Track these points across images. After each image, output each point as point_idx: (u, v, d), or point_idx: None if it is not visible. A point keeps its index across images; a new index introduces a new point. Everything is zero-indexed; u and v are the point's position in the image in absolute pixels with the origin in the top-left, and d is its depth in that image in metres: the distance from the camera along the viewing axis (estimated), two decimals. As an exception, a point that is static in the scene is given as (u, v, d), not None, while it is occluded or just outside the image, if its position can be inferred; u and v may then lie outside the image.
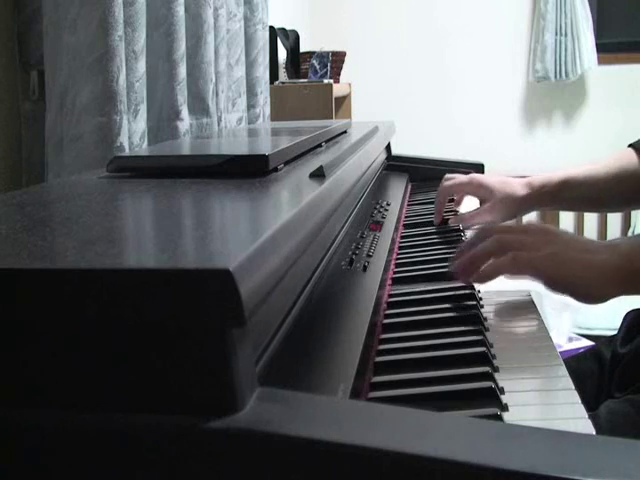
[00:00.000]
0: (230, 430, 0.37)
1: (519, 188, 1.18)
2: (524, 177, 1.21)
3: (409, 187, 1.55)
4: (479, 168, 1.63)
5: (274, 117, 2.01)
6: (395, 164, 1.64)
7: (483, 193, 1.20)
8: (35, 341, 0.40)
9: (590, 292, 0.77)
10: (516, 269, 0.77)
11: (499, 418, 0.53)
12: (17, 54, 1.12)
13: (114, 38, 1.03)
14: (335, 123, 1.31)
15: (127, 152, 1.07)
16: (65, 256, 0.44)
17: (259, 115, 1.84)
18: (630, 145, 1.19)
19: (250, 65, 1.78)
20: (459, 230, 1.14)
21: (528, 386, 0.63)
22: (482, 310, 0.77)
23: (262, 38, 1.82)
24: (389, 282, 0.87)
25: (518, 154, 3.56)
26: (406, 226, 1.20)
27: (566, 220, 3.53)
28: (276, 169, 0.79)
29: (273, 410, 0.39)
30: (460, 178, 1.23)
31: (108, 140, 1.05)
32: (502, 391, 0.58)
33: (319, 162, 0.80)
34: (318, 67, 2.54)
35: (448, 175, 1.29)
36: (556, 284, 0.77)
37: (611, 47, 3.56)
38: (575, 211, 3.25)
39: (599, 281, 0.76)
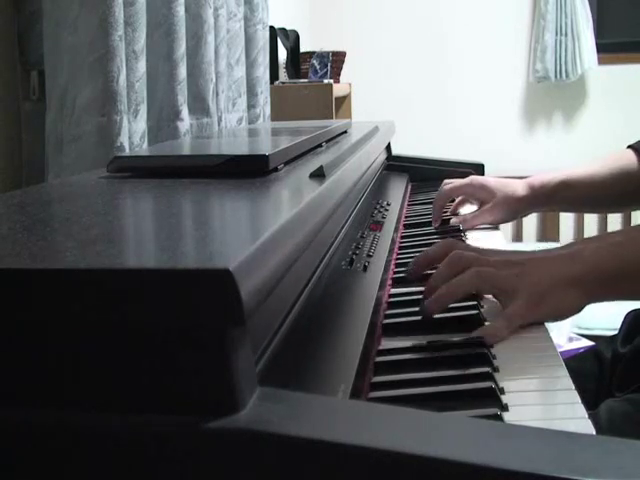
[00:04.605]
0: (230, 430, 0.37)
1: (520, 189, 1.18)
2: (524, 177, 1.21)
3: (409, 187, 1.55)
4: (479, 168, 1.63)
5: (274, 117, 2.00)
6: (395, 164, 1.64)
7: (484, 195, 1.20)
8: (35, 341, 0.40)
9: (559, 307, 0.74)
10: (479, 283, 0.74)
11: (499, 418, 0.53)
12: (17, 54, 1.11)
13: (114, 38, 1.03)
14: (335, 123, 1.31)
15: (127, 152, 1.07)
16: (65, 256, 0.44)
17: (259, 115, 1.84)
18: (629, 146, 1.19)
19: (250, 65, 1.78)
20: (459, 230, 1.14)
21: (528, 386, 0.63)
22: (482, 310, 0.77)
23: (262, 38, 1.82)
24: (389, 282, 0.87)
25: (518, 154, 3.56)
26: (406, 226, 1.20)
27: (566, 221, 3.52)
28: (276, 169, 0.79)
29: (273, 410, 0.39)
30: (459, 180, 1.24)
31: (108, 140, 1.05)
32: (502, 391, 0.58)
33: (319, 162, 0.80)
34: (318, 67, 2.54)
35: (447, 180, 1.29)
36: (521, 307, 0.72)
37: (611, 47, 3.56)
38: (575, 212, 3.24)
39: (567, 294, 0.73)
